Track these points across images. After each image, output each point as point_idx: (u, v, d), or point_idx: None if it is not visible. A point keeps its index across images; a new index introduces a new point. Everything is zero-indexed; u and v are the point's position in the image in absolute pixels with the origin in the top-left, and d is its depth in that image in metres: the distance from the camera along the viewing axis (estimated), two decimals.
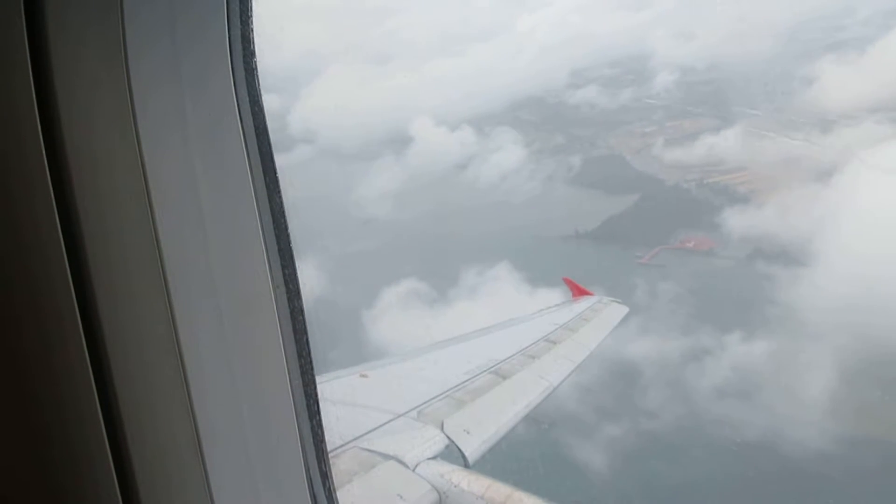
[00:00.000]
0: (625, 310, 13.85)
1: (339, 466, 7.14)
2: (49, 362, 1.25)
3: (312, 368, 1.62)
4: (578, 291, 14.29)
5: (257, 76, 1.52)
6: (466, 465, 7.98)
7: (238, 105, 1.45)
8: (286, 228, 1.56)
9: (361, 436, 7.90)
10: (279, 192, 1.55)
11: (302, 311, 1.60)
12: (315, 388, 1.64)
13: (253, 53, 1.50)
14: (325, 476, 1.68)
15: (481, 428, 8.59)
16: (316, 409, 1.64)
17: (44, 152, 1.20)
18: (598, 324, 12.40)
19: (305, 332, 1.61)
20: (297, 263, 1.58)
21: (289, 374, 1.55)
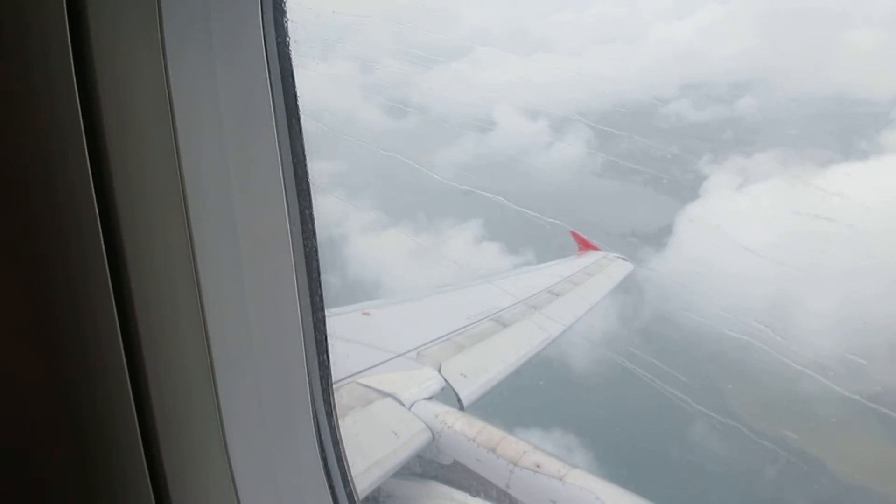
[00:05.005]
0: (630, 266, 13.87)
1: (337, 400, 7.29)
2: (71, 280, 1.30)
3: (323, 306, 1.67)
4: (585, 245, 14.26)
5: (287, 36, 1.53)
6: (461, 408, 8.15)
7: (267, 54, 1.47)
8: (306, 169, 1.59)
9: (360, 372, 8.05)
10: (301, 132, 1.57)
11: (316, 250, 1.64)
12: (324, 325, 1.69)
13: (284, 14, 1.51)
14: (330, 408, 1.75)
15: (478, 373, 8.74)
16: (324, 345, 1.70)
17: (79, 106, 1.23)
18: (602, 279, 12.46)
19: (318, 271, 1.65)
20: (315, 205, 1.61)
21: (300, 309, 1.60)
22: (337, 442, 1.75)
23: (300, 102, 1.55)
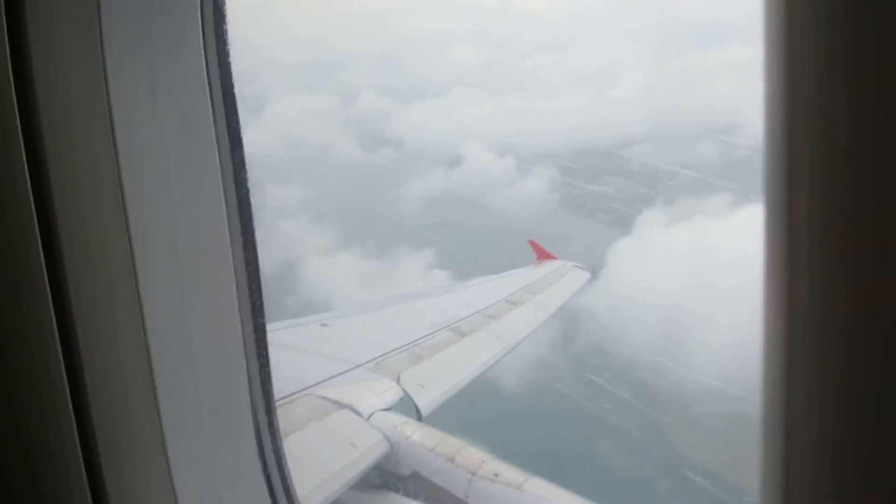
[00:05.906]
0: (587, 275, 14.02)
1: (295, 412, 7.24)
2: (10, 292, 1.30)
3: (264, 319, 1.70)
4: (543, 255, 14.39)
5: (226, 37, 1.55)
6: (420, 419, 8.14)
7: (207, 65, 1.49)
8: (246, 184, 1.61)
9: (318, 383, 7.99)
10: (242, 148, 1.59)
11: (256, 262, 1.66)
12: (265, 337, 1.71)
13: (224, 19, 1.53)
14: (271, 419, 1.76)
15: (436, 383, 8.75)
16: (265, 357, 1.72)
17: (16, 109, 1.23)
18: (560, 287, 12.57)
19: (259, 282, 1.67)
20: (254, 218, 1.63)
21: (241, 318, 1.62)
22: (278, 451, 1.76)
23: (240, 109, 1.57)
